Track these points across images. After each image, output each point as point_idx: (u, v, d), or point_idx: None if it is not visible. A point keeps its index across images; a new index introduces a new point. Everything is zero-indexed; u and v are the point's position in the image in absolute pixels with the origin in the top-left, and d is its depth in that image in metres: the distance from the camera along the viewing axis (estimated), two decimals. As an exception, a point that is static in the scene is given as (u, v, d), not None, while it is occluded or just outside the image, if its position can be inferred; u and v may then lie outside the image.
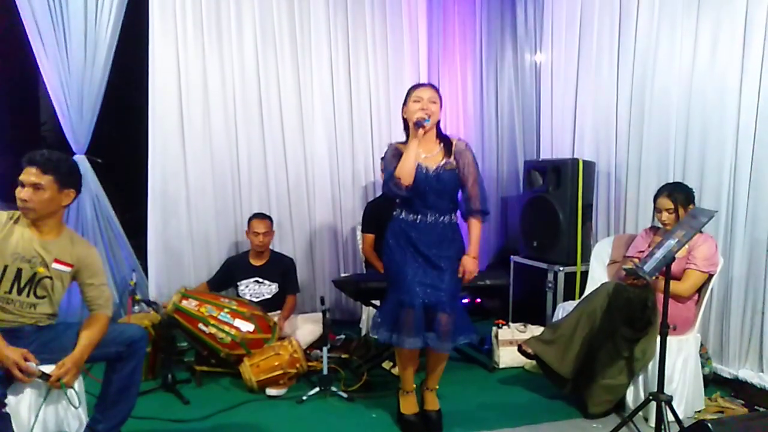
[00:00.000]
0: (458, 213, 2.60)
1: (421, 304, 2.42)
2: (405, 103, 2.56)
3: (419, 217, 2.50)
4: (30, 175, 2.07)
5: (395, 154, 2.51)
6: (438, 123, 2.57)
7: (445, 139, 2.57)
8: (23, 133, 5.55)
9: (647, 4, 3.52)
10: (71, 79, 3.65)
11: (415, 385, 2.69)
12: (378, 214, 3.69)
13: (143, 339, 2.23)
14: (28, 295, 2.13)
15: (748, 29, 2.96)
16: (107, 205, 3.88)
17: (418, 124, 2.42)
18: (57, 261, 2.16)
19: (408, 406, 2.67)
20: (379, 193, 4.41)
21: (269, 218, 3.72)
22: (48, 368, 2.02)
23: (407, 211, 2.52)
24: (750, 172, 2.98)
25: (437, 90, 2.55)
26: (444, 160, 2.51)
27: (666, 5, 3.40)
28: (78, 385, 2.15)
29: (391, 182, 2.42)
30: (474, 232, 2.56)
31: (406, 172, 2.39)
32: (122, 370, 2.17)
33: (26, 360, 1.97)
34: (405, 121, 2.57)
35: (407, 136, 2.55)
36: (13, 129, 5.09)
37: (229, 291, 3.76)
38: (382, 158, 2.66)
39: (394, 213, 2.59)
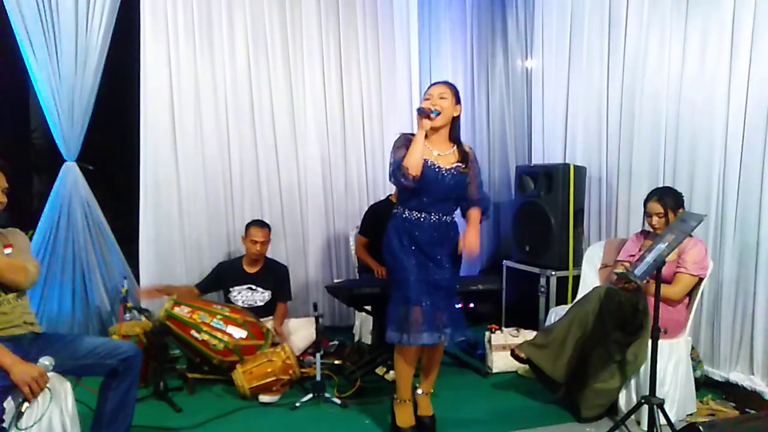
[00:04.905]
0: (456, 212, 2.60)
1: (429, 301, 2.41)
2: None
3: (423, 215, 2.48)
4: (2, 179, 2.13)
5: (405, 143, 2.45)
6: (456, 123, 2.53)
7: (458, 142, 2.55)
8: (13, 140, 5.52)
9: (636, 10, 3.56)
10: (62, 85, 3.63)
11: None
12: (377, 218, 3.69)
13: (138, 356, 2.22)
14: (7, 293, 2.13)
15: (735, 35, 2.99)
16: (98, 212, 3.85)
17: (420, 111, 2.39)
18: (5, 246, 2.19)
19: (404, 417, 2.59)
20: (374, 197, 4.42)
21: (268, 227, 3.71)
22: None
23: (410, 209, 2.49)
24: (739, 176, 3.01)
25: (451, 87, 2.50)
26: (457, 163, 2.49)
27: (655, 11, 3.44)
28: (68, 395, 2.14)
29: (399, 172, 2.39)
30: (475, 216, 2.53)
31: (413, 163, 2.36)
32: (118, 388, 2.15)
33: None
34: None
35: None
36: (2, 136, 5.05)
37: (220, 296, 3.74)
38: (391, 162, 2.54)
39: (395, 211, 2.57)
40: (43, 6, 3.53)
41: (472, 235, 2.48)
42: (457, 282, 2.60)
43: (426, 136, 2.46)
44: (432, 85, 2.55)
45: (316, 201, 4.35)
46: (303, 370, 3.21)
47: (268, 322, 3.51)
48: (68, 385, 2.16)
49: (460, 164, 2.50)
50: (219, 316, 3.19)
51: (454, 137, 2.55)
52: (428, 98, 2.47)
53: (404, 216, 2.51)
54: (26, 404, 1.90)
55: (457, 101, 2.51)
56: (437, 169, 2.45)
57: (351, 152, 4.44)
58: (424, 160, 2.42)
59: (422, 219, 2.48)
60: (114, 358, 2.14)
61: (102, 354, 2.14)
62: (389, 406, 2.70)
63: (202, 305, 3.27)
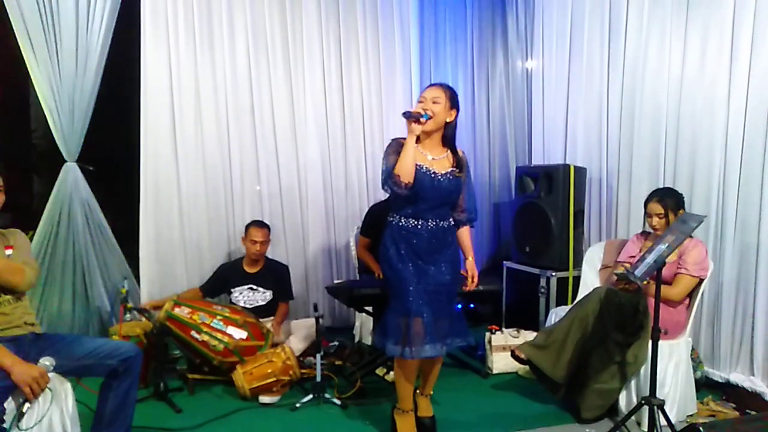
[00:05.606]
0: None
1: (429, 311, 2.37)
2: None
3: (420, 222, 2.42)
4: None
5: (397, 149, 2.37)
6: (452, 128, 2.46)
7: (452, 146, 2.50)
8: (14, 140, 5.52)
9: (636, 11, 3.57)
10: (62, 86, 3.63)
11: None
12: (379, 219, 3.67)
13: (138, 357, 2.22)
14: (6, 294, 2.14)
15: (735, 36, 3.00)
16: (99, 212, 3.85)
17: (406, 115, 2.33)
18: (6, 247, 2.19)
19: (405, 428, 2.54)
20: (374, 198, 4.42)
21: (267, 227, 3.71)
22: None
23: (406, 217, 2.44)
24: (739, 177, 3.02)
25: (447, 90, 2.42)
26: (452, 168, 2.45)
27: (655, 12, 3.44)
28: (69, 395, 2.14)
29: (390, 180, 2.33)
30: (467, 237, 2.61)
31: (405, 170, 2.29)
32: (118, 388, 2.15)
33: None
34: None
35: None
36: (3, 136, 5.06)
37: (222, 297, 3.75)
38: (383, 170, 2.48)
39: (390, 219, 2.50)
40: (44, 6, 3.53)
41: (473, 267, 2.58)
42: (458, 286, 2.55)
43: (418, 140, 2.41)
44: (427, 87, 2.49)
45: (317, 202, 4.35)
46: (303, 370, 3.20)
47: (269, 323, 3.51)
48: (68, 386, 2.17)
49: (455, 169, 2.45)
50: (219, 317, 3.19)
51: (448, 142, 2.49)
52: (421, 101, 2.42)
53: (400, 224, 2.45)
54: (27, 405, 1.90)
55: (453, 105, 2.42)
56: (432, 175, 2.39)
57: (351, 153, 4.44)
58: (419, 165, 2.36)
59: (419, 226, 2.42)
60: (114, 359, 2.14)
61: (102, 354, 2.15)
62: (389, 407, 2.69)
63: (202, 306, 3.27)
